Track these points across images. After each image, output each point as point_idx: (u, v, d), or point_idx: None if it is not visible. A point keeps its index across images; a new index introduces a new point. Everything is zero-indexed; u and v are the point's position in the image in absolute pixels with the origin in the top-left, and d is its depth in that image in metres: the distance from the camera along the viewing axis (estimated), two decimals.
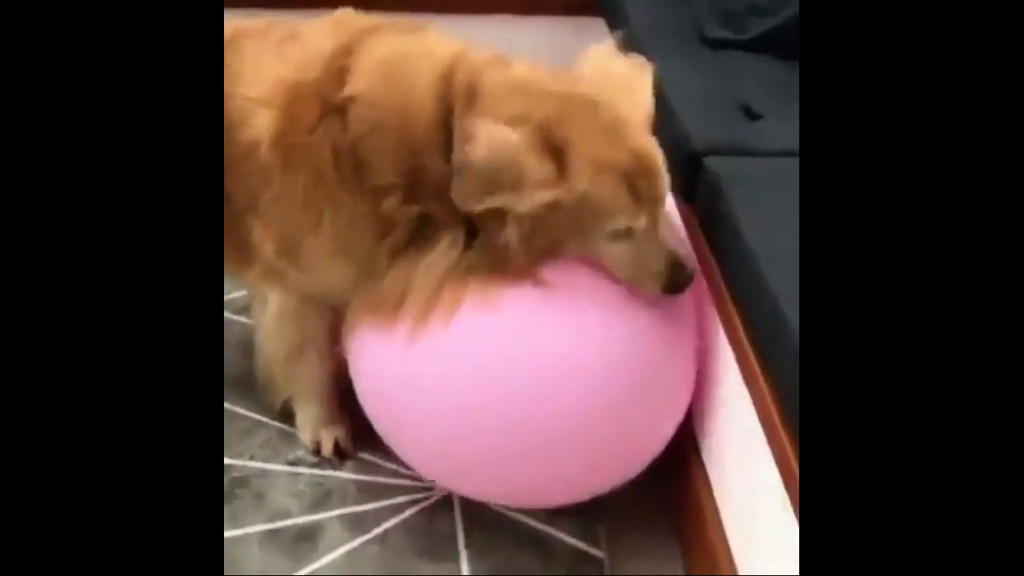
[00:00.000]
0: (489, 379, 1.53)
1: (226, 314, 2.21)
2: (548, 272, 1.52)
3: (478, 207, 1.45)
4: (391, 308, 1.56)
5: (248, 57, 1.62)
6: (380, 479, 1.91)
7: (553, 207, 1.43)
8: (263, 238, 1.64)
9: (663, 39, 2.02)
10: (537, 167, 1.41)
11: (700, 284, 1.69)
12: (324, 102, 1.54)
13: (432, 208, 1.53)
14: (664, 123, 1.80)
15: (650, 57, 1.93)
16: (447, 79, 1.51)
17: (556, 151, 1.43)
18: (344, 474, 1.92)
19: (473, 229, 1.52)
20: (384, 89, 1.53)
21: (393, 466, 1.90)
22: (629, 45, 2.04)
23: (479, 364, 1.53)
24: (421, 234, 1.56)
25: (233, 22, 1.67)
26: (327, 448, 1.93)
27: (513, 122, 1.43)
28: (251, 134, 1.57)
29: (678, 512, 1.85)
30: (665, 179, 1.49)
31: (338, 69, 1.55)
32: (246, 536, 1.79)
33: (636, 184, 1.45)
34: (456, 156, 1.45)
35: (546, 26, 2.45)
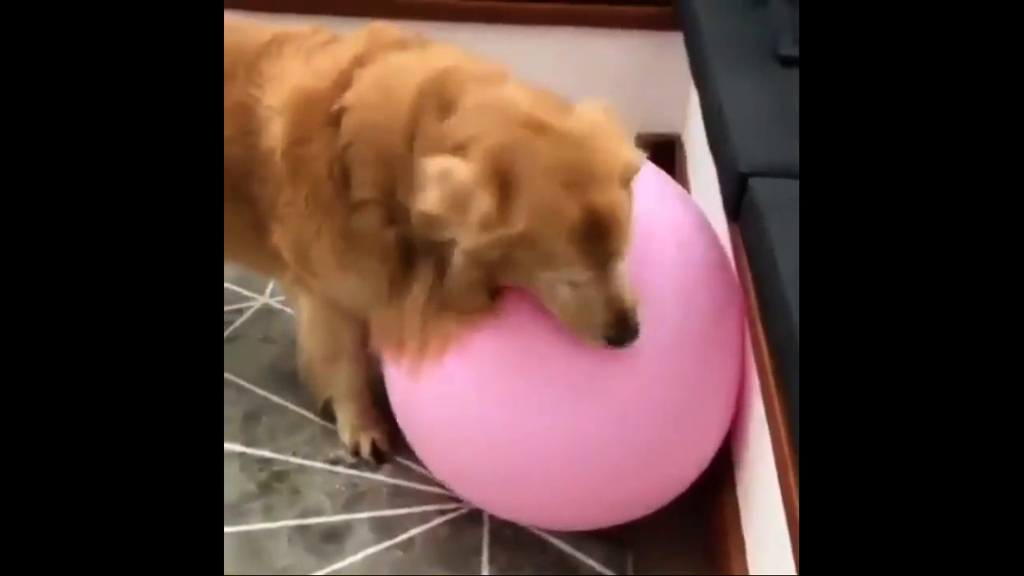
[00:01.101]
0: (505, 407, 1.52)
1: (281, 308, 2.27)
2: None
3: (436, 237, 1.43)
4: (394, 343, 1.57)
5: (281, 64, 1.63)
6: (414, 485, 1.91)
7: (494, 244, 1.38)
8: (281, 243, 1.66)
9: (735, 55, 1.95)
10: (483, 203, 1.36)
11: (742, 310, 1.62)
12: (326, 112, 1.54)
13: (408, 231, 1.49)
14: (718, 141, 1.75)
15: (719, 73, 1.89)
16: (427, 92, 1.47)
17: (504, 185, 1.36)
18: (380, 477, 1.93)
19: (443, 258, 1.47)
20: (372, 100, 1.51)
21: (428, 473, 1.89)
22: (701, 60, 2.00)
23: (496, 391, 1.52)
24: (412, 262, 1.53)
25: (278, 27, 1.70)
26: (365, 450, 1.94)
27: (463, 148, 1.39)
28: (268, 142, 1.59)
29: (708, 542, 1.78)
30: (623, 236, 1.39)
31: (346, 81, 1.55)
32: (277, 530, 1.82)
33: (584, 239, 1.36)
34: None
35: (624, 40, 2.41)
